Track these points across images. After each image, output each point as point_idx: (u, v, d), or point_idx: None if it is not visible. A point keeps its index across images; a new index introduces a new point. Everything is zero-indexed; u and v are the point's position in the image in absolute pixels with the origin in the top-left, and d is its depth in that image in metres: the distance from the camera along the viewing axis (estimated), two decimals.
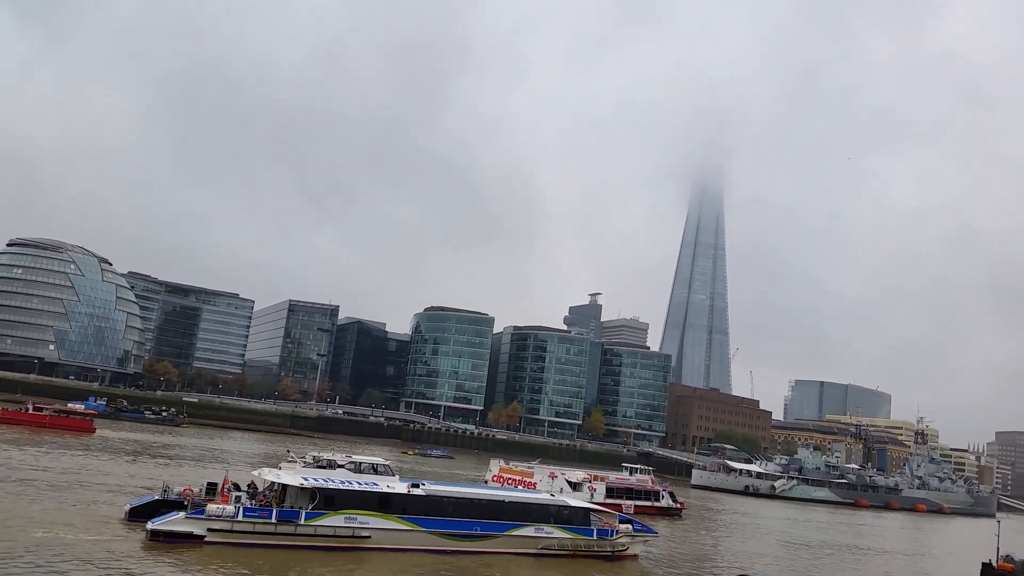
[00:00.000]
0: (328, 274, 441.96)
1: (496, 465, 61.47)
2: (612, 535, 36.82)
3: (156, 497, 31.19)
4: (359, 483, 32.29)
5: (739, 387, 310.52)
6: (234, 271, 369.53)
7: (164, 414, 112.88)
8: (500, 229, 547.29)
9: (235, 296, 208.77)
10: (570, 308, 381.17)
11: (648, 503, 64.26)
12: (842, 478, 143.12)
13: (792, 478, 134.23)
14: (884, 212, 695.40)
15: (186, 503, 29.75)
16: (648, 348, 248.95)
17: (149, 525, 28.43)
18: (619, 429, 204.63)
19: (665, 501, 65.81)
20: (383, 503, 31.70)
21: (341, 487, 31.43)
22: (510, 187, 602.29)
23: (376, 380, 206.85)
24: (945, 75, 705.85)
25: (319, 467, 33.58)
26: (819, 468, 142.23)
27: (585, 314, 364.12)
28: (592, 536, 36.20)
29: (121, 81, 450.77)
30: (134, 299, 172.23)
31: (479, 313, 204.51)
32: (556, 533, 35.27)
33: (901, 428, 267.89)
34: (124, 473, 47.99)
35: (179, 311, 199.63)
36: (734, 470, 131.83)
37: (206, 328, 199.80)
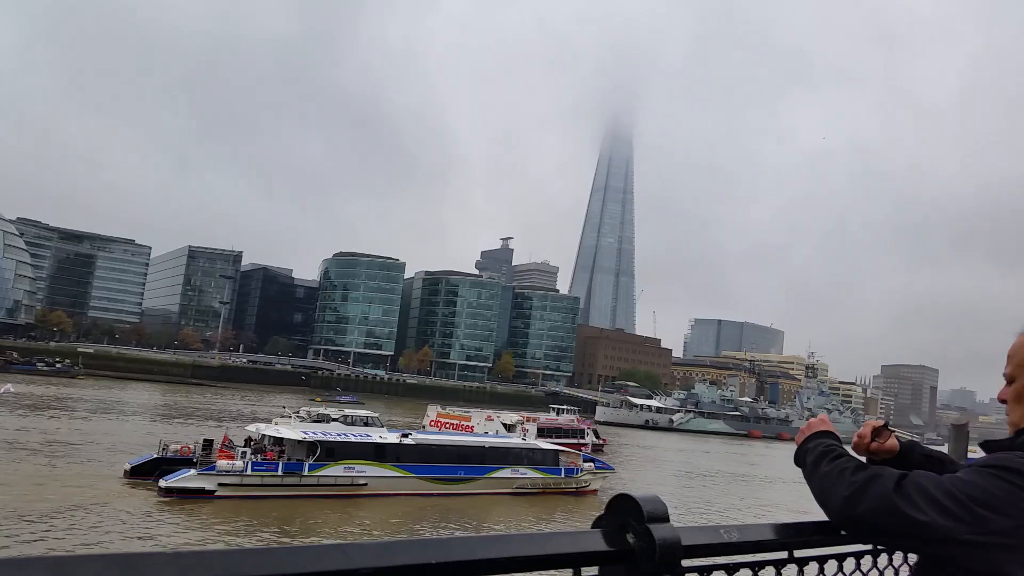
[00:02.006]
0: (231, 218, 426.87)
1: (433, 411, 63.46)
2: (577, 473, 40.91)
3: (155, 456, 32.62)
4: (354, 435, 35.95)
5: (643, 327, 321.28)
6: (130, 215, 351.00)
7: (58, 365, 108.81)
8: (413, 170, 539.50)
9: (131, 242, 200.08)
10: (482, 252, 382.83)
11: (575, 441, 67.60)
12: (736, 411, 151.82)
13: (689, 412, 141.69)
14: (792, 153, 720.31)
15: (195, 460, 31.52)
16: (558, 291, 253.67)
17: (162, 483, 29.86)
18: (528, 370, 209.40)
19: (590, 439, 69.31)
20: (378, 453, 34.89)
21: (340, 439, 34.68)
22: (423, 125, 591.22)
23: (283, 328, 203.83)
24: (856, 16, 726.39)
25: (314, 421, 37.68)
26: (715, 402, 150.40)
27: (497, 258, 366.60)
28: (560, 475, 40.35)
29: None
30: (24, 247, 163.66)
31: (390, 258, 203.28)
32: (530, 473, 39.45)
33: (793, 363, 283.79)
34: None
35: (72, 259, 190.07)
36: (635, 406, 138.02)
37: (101, 276, 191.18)
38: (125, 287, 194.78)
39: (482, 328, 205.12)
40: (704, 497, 47.06)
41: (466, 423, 58.51)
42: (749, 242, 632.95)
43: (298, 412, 39.07)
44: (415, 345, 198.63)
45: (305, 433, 34.37)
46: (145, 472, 31.23)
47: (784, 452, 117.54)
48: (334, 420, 38.47)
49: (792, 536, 1.96)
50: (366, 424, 39.11)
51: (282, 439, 33.96)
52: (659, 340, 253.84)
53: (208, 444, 33.32)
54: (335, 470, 33.16)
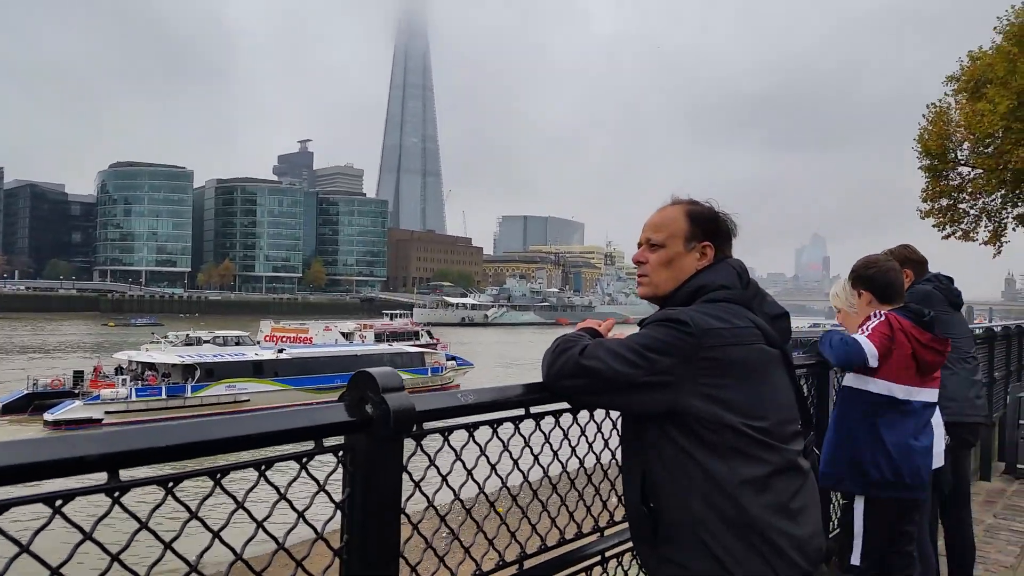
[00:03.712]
0: None
1: (267, 325, 61.27)
2: (442, 371, 43.67)
3: (25, 391, 32.10)
4: (229, 355, 36.62)
5: (453, 227, 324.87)
6: None
7: None
8: (189, 63, 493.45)
9: None
10: (279, 157, 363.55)
11: (411, 342, 68.34)
12: (544, 301, 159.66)
13: (502, 306, 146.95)
14: (586, 41, 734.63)
15: (77, 392, 32.05)
16: (364, 195, 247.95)
17: (47, 416, 29.62)
18: (341, 278, 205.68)
19: (424, 339, 70.11)
20: (256, 369, 35.77)
21: (217, 360, 35.24)
22: (191, 6, 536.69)
23: (61, 249, 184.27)
24: None
25: (186, 345, 39.30)
26: (525, 295, 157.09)
27: (296, 163, 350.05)
28: (427, 374, 42.65)
29: None
30: None
31: (175, 167, 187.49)
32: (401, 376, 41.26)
33: (593, 252, 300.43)
34: None
35: None
36: (451, 304, 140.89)
37: None
38: None
39: (287, 237, 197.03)
40: (523, 379, 49.77)
41: (304, 335, 57.72)
42: (550, 135, 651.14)
43: (166, 337, 40.97)
44: (214, 259, 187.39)
45: (181, 356, 35.18)
46: (19, 408, 31.03)
47: None
48: (205, 342, 39.99)
49: (525, 395, 2.23)
50: (238, 343, 40.84)
51: (154, 364, 34.49)
52: (470, 239, 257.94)
53: (78, 375, 33.81)
54: (217, 389, 33.90)
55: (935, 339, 3.57)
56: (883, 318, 3.56)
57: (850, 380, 3.61)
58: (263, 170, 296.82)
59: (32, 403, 31.19)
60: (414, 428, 1.87)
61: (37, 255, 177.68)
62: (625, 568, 2.73)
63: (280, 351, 38.48)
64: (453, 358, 46.72)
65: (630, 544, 2.53)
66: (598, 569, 2.63)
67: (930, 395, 3.62)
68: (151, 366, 34.50)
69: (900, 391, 3.50)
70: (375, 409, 1.71)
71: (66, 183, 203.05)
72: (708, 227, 2.25)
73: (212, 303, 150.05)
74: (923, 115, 19.00)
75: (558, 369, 2.13)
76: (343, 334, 60.55)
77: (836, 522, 4.30)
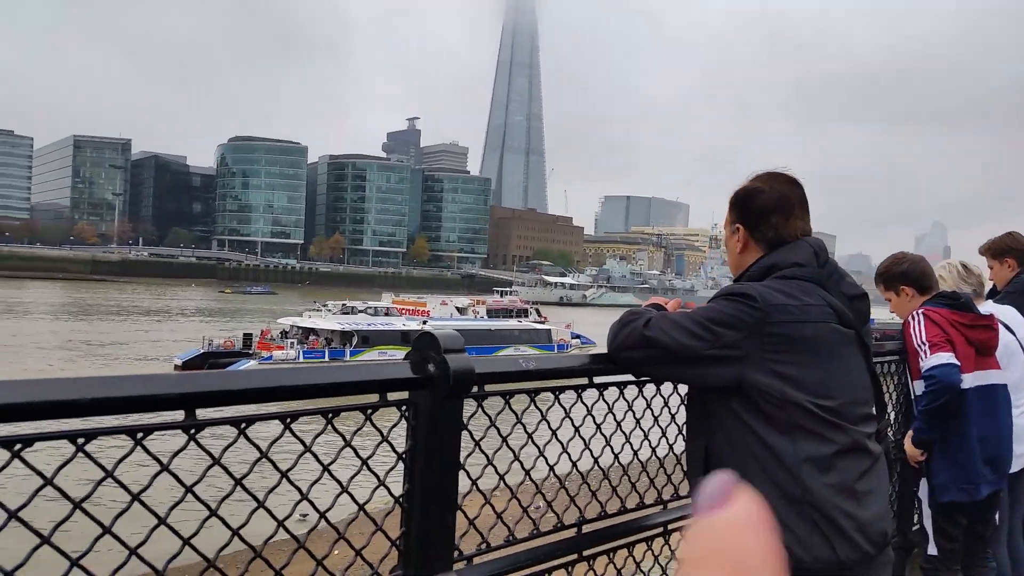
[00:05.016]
0: (115, 104, 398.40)
1: (388, 298, 63.99)
2: (567, 349, 44.24)
3: (202, 350, 35.19)
4: (380, 324, 40.48)
5: (555, 206, 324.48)
6: (3, 105, 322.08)
7: None
8: (303, 43, 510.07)
9: (10, 133, 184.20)
10: (388, 134, 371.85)
11: (519, 319, 70.01)
12: (645, 284, 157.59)
13: (601, 287, 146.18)
14: (698, 16, 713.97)
15: (251, 352, 35.50)
16: (468, 172, 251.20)
17: None
18: (443, 254, 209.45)
19: (532, 317, 71.48)
20: (404, 338, 37.97)
21: (371, 328, 39.05)
22: None
23: (182, 218, 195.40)
24: None
25: (343, 314, 42.64)
26: (625, 276, 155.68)
27: (404, 140, 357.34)
28: (554, 351, 43.37)
29: None
30: None
31: (291, 142, 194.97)
32: (529, 351, 42.89)
33: (698, 235, 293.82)
34: None
35: None
36: (550, 283, 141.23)
37: None
38: (10, 181, 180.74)
39: (394, 213, 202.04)
40: None
41: (422, 308, 60.04)
42: (657, 115, 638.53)
43: (326, 306, 45.12)
44: (325, 232, 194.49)
45: (341, 323, 38.74)
46: (196, 366, 32.87)
47: None
48: (360, 312, 43.78)
49: (589, 364, 2.29)
50: (387, 314, 44.72)
51: (315, 330, 38.07)
52: (571, 218, 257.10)
53: (248, 337, 37.58)
54: (371, 355, 36.23)
55: (978, 317, 3.48)
56: (922, 319, 3.46)
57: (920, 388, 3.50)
58: (373, 147, 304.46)
59: (207, 361, 33.54)
60: (474, 389, 1.92)
61: (160, 223, 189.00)
62: None
63: (424, 323, 40.48)
64: (577, 336, 48.57)
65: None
66: (659, 540, 2.64)
67: (998, 376, 3.52)
68: (312, 331, 38.01)
69: (971, 379, 3.43)
70: (436, 368, 1.80)
71: (187, 155, 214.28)
72: (739, 208, 2.26)
73: (322, 274, 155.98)
74: None
75: (622, 340, 2.16)
76: (458, 308, 62.05)
77: (917, 518, 4.24)
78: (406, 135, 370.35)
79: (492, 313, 66.61)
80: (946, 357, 3.33)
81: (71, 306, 68.68)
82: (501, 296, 76.07)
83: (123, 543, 1.38)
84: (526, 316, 72.15)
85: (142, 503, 1.38)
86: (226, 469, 1.47)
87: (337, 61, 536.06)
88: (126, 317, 59.46)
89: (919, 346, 3.45)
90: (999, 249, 4.44)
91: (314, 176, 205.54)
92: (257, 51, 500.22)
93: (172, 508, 1.43)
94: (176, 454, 1.42)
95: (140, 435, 1.37)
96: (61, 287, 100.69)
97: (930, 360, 3.37)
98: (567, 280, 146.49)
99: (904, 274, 3.70)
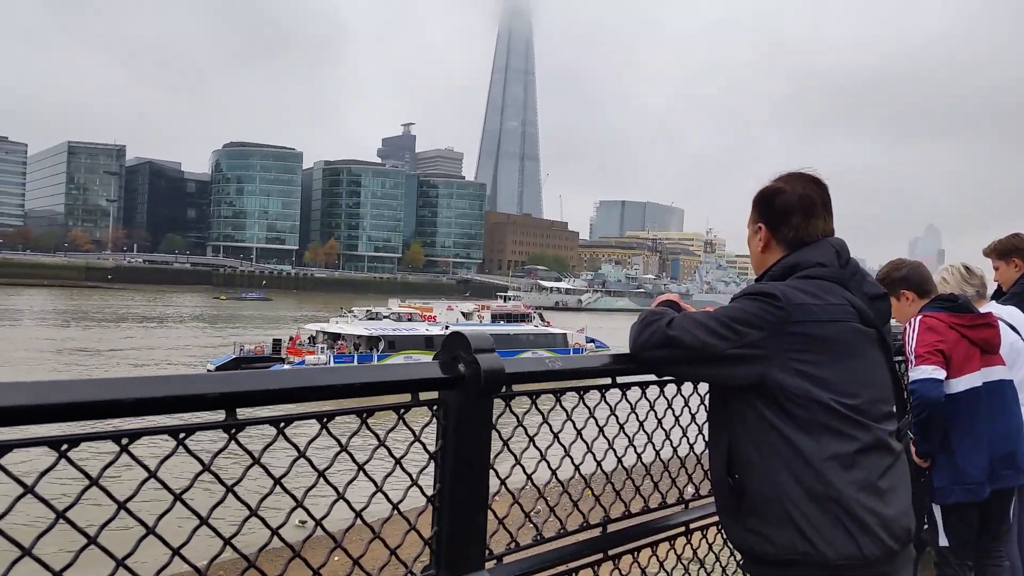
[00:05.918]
0: (109, 111, 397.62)
1: (394, 303, 64.24)
2: (583, 353, 45.50)
3: (233, 355, 36.56)
4: (405, 329, 42.10)
5: (550, 211, 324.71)
6: None
7: None
8: (297, 48, 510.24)
9: (4, 140, 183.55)
10: (383, 140, 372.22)
11: (521, 324, 70.42)
12: (640, 288, 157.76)
13: (597, 291, 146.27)
14: (694, 22, 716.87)
15: (283, 358, 36.73)
16: (463, 178, 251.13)
17: None
18: (438, 259, 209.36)
19: (535, 321, 71.77)
20: (428, 343, 39.88)
21: (397, 333, 40.62)
22: None
23: (176, 225, 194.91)
24: None
25: (369, 320, 44.25)
26: (620, 280, 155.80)
27: (399, 146, 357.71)
28: (569, 355, 45.22)
29: None
30: None
31: (286, 148, 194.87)
32: (546, 355, 44.00)
33: (692, 239, 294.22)
34: None
35: None
36: (545, 288, 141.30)
37: None
38: (4, 188, 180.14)
39: (389, 218, 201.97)
40: None
41: (428, 313, 60.36)
42: (651, 120, 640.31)
43: (351, 312, 47.26)
44: (320, 238, 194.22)
45: (368, 329, 40.30)
46: (228, 370, 34.38)
47: None
48: (384, 318, 45.25)
49: (612, 364, 2.30)
50: (410, 320, 46.36)
51: (342, 335, 39.55)
52: (566, 223, 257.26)
53: (277, 343, 39.07)
54: (397, 359, 36.49)
55: (976, 317, 3.53)
56: (917, 327, 3.52)
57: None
58: (368, 152, 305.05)
59: (240, 366, 33.83)
60: (503, 389, 1.93)
61: (154, 230, 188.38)
62: (709, 541, 2.77)
63: (446, 328, 41.39)
64: (592, 340, 49.58)
65: (715, 518, 2.52)
66: (682, 540, 2.67)
67: (1005, 372, 3.55)
68: (339, 336, 39.45)
69: (980, 377, 3.46)
70: (467, 368, 1.81)
71: (182, 161, 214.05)
72: (761, 207, 2.27)
73: (318, 280, 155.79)
74: None
75: (645, 339, 2.15)
76: (463, 314, 62.56)
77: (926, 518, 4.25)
78: (401, 141, 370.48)
79: (496, 318, 69.26)
80: (929, 371, 3.39)
81: (66, 313, 68.45)
82: (505, 301, 76.91)
83: (166, 543, 1.40)
84: (529, 321, 72.81)
85: (184, 503, 1.40)
86: (266, 469, 1.51)
87: (332, 67, 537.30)
88: (119, 324, 59.28)
89: (908, 355, 3.54)
90: (1005, 249, 4.45)
91: (309, 182, 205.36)
92: (252, 57, 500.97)
93: (214, 508, 1.46)
94: (217, 454, 1.46)
95: (182, 435, 1.39)
96: (60, 294, 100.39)
97: (914, 373, 3.45)
98: (563, 285, 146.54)
99: (904, 279, 3.77)
